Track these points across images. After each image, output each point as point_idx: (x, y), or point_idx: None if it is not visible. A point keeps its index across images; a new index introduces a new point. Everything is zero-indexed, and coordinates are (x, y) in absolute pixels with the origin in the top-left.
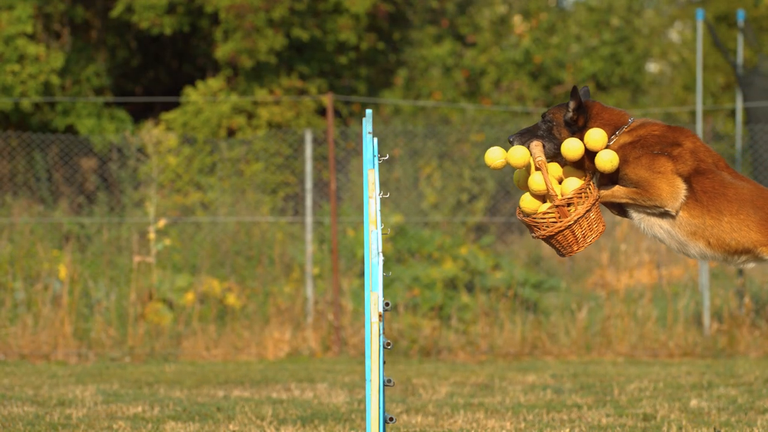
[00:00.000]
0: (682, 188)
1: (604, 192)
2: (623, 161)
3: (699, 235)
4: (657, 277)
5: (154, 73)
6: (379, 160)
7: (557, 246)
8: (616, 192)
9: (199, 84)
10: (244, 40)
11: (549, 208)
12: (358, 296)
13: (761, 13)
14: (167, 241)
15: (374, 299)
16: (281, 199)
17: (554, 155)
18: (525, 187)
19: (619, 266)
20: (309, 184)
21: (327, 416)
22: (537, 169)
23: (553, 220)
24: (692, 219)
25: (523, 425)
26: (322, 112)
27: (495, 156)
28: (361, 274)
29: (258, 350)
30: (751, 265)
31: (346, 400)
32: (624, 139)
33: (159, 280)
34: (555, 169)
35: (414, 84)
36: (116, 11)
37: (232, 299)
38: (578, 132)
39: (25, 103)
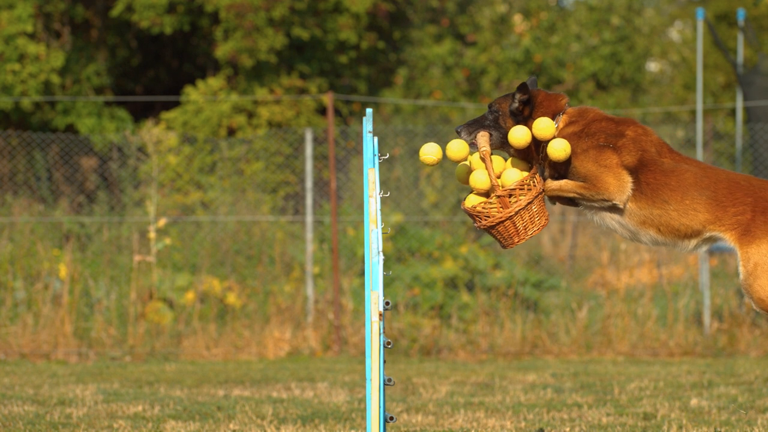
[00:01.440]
0: (628, 181)
1: (551, 186)
2: (571, 153)
3: (649, 223)
4: (657, 276)
5: (155, 72)
6: (380, 159)
7: (498, 237)
8: (564, 186)
9: (200, 83)
10: (244, 39)
11: (491, 198)
12: (359, 295)
13: (761, 12)
14: (167, 241)
15: (374, 298)
16: (281, 199)
17: (501, 144)
18: (466, 182)
19: (620, 265)
20: (309, 183)
21: (327, 415)
22: (482, 159)
23: (495, 210)
24: (640, 210)
25: (523, 424)
26: (322, 111)
27: (428, 152)
28: (362, 273)
29: (258, 349)
30: (703, 249)
31: (346, 400)
32: (570, 129)
33: (159, 279)
34: (498, 163)
35: (414, 83)
36: (116, 10)
37: (232, 298)
38: (523, 121)
39: (26, 103)
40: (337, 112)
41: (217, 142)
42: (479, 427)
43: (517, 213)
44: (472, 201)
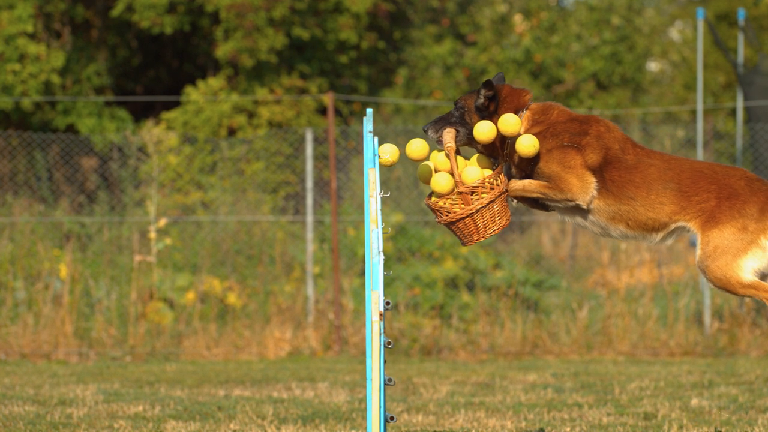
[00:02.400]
0: (592, 182)
1: (514, 186)
2: (534, 157)
3: (617, 219)
4: (658, 276)
5: (155, 72)
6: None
7: (458, 234)
8: (528, 186)
9: (200, 83)
10: (244, 39)
11: (453, 194)
12: (359, 295)
13: (761, 12)
14: (168, 241)
15: (375, 298)
16: (282, 199)
17: (468, 141)
18: (428, 182)
19: (620, 265)
20: (310, 183)
21: (328, 415)
22: (446, 155)
23: (457, 207)
24: (608, 207)
25: (524, 424)
26: (322, 111)
27: (384, 152)
28: (362, 273)
29: (259, 349)
30: (669, 242)
31: (346, 399)
32: (534, 129)
33: (160, 279)
34: (460, 162)
35: (415, 83)
36: (117, 10)
37: (232, 298)
38: (489, 117)
39: (26, 103)
40: (338, 112)
41: (217, 142)
42: (480, 427)
43: (478, 211)
44: (434, 199)
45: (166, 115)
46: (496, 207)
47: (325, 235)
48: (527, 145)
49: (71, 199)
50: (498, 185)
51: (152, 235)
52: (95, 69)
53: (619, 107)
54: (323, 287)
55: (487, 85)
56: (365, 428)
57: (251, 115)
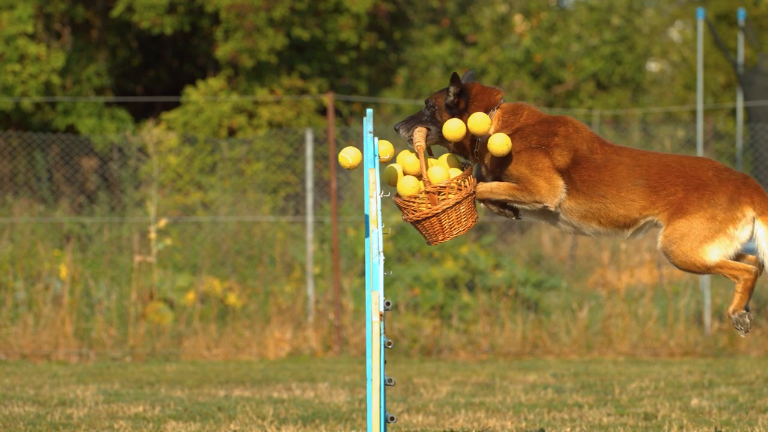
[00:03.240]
0: (560, 185)
1: (482, 188)
2: (503, 158)
3: (589, 217)
4: (658, 276)
5: (155, 72)
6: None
7: (423, 232)
8: (495, 189)
9: (200, 83)
10: (244, 39)
11: (420, 193)
12: (359, 295)
13: (761, 12)
14: (168, 241)
15: (375, 298)
16: (282, 199)
17: (440, 139)
18: (394, 185)
19: (620, 265)
20: (310, 184)
21: (328, 416)
22: (416, 154)
23: (423, 206)
24: (579, 206)
25: (524, 424)
26: (322, 111)
27: (345, 155)
28: (362, 274)
29: (259, 350)
30: (640, 236)
31: (347, 400)
32: (504, 130)
33: (160, 279)
34: (430, 163)
35: (415, 83)
36: (117, 11)
37: (232, 299)
38: (459, 114)
39: (26, 103)
40: (338, 113)
41: (217, 142)
42: (480, 427)
43: (444, 211)
44: (407, 190)
45: (167, 116)
46: (462, 208)
47: (325, 235)
48: (499, 143)
49: (71, 200)
50: (466, 186)
51: (152, 235)
52: (95, 69)
53: (619, 107)
54: (323, 287)
55: (454, 80)
56: (365, 428)
57: (251, 115)
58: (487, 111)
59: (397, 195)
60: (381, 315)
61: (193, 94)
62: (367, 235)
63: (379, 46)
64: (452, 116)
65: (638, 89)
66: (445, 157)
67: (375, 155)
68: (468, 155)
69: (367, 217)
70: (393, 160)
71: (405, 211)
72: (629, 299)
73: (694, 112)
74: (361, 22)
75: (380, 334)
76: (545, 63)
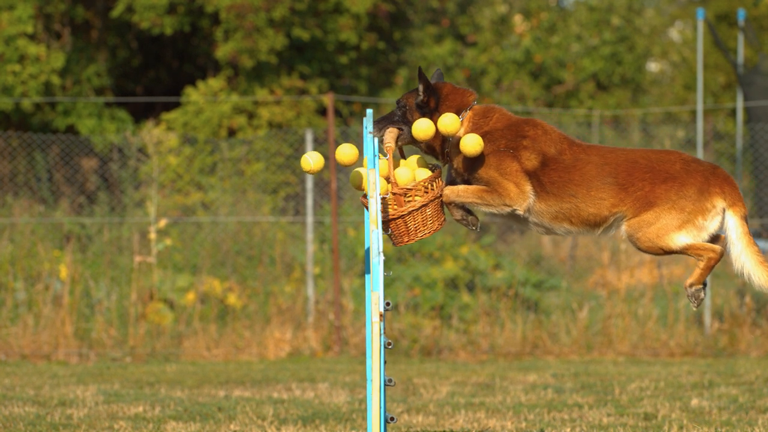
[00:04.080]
0: (528, 190)
1: (448, 191)
2: (472, 160)
3: (561, 218)
4: (658, 276)
5: (155, 73)
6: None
7: (389, 233)
8: (463, 192)
9: (200, 84)
10: (244, 39)
11: (386, 194)
12: (359, 296)
13: (761, 13)
14: (168, 241)
15: (375, 299)
16: (282, 199)
17: (411, 140)
18: (360, 188)
19: (620, 265)
20: (310, 184)
21: (328, 416)
22: (384, 154)
23: (389, 207)
24: (550, 207)
25: (524, 425)
26: (322, 111)
27: (309, 159)
28: (362, 274)
29: (259, 350)
30: (611, 233)
31: (347, 400)
32: (474, 132)
33: (160, 280)
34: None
35: (415, 83)
36: (117, 11)
37: (232, 299)
38: (429, 114)
39: (26, 104)
40: (338, 113)
41: (217, 142)
42: (480, 428)
43: (409, 213)
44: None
45: (166, 116)
46: (428, 211)
47: (325, 235)
48: (471, 144)
49: (71, 200)
50: (433, 189)
51: (152, 235)
52: (95, 70)
53: (619, 108)
54: (323, 288)
55: (421, 77)
56: (365, 429)
57: (251, 115)
58: (458, 112)
59: (365, 195)
60: (381, 315)
61: (193, 95)
62: (367, 235)
63: (379, 46)
64: (423, 116)
65: (638, 89)
66: (414, 158)
67: (375, 155)
68: (438, 156)
69: (366, 218)
70: (361, 163)
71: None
72: (629, 299)
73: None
74: (361, 23)
75: (380, 335)
76: (545, 63)
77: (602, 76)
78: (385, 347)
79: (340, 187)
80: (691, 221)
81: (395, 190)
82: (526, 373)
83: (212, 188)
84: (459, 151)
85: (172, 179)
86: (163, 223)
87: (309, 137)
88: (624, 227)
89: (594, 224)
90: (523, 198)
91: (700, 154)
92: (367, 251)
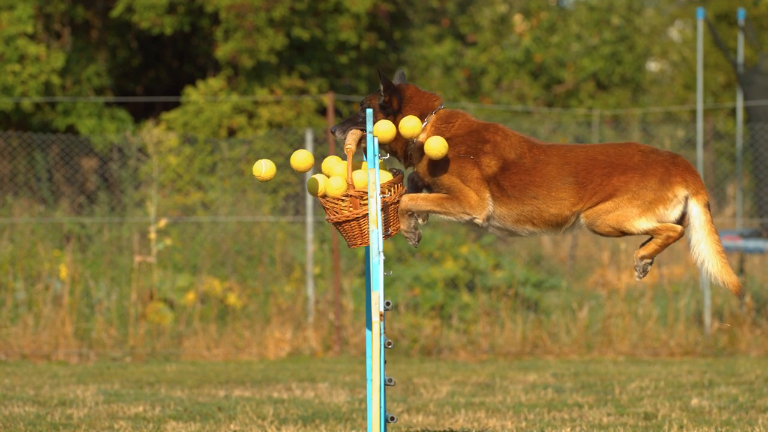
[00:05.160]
0: (487, 197)
1: (407, 199)
2: (434, 165)
3: (523, 220)
4: (658, 276)
5: (155, 72)
6: (380, 159)
7: (344, 234)
8: (421, 201)
9: (200, 84)
10: (244, 39)
11: (344, 195)
12: (359, 296)
13: (761, 12)
14: (168, 241)
15: (375, 298)
16: (282, 199)
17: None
18: (316, 194)
19: (620, 265)
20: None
21: (328, 416)
22: (346, 155)
23: (345, 209)
24: (511, 211)
25: (524, 424)
26: (322, 111)
27: (261, 166)
28: (362, 274)
29: (259, 350)
30: (575, 231)
31: (347, 400)
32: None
33: (160, 279)
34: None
35: (414, 83)
36: (117, 11)
37: (233, 299)
38: (393, 115)
39: (26, 103)
40: (338, 113)
41: (217, 142)
42: (480, 427)
43: (364, 216)
44: (333, 191)
45: (166, 116)
46: (383, 216)
47: (325, 235)
48: (435, 147)
49: (71, 200)
50: (391, 194)
51: (152, 235)
52: (95, 70)
53: (619, 107)
54: (323, 288)
55: (381, 77)
56: (365, 428)
57: (251, 115)
58: (422, 115)
59: (324, 195)
60: (381, 315)
61: (193, 95)
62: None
63: (379, 46)
64: (386, 117)
65: (638, 89)
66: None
67: (375, 155)
68: (400, 159)
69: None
70: (318, 169)
71: (328, 211)
72: (629, 299)
73: (693, 112)
74: (360, 22)
75: (380, 334)
76: (545, 63)
77: (602, 76)
78: (385, 347)
79: None
80: (651, 210)
81: (352, 192)
82: (526, 373)
83: (212, 188)
84: (421, 156)
85: (172, 179)
86: (163, 222)
87: (309, 137)
88: (583, 218)
89: (556, 224)
90: (482, 206)
91: (700, 153)
92: (367, 251)
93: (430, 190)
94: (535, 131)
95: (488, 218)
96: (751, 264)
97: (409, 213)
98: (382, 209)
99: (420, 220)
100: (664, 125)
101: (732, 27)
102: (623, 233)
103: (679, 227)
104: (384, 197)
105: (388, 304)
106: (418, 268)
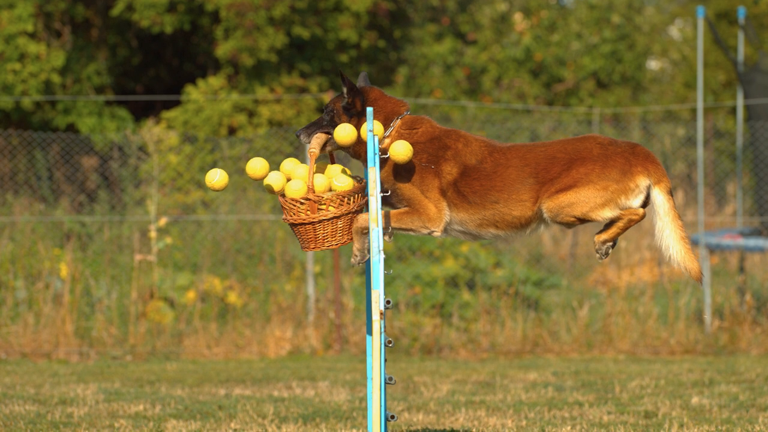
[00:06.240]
0: (444, 209)
1: (364, 219)
2: (395, 172)
3: (486, 224)
4: (658, 274)
5: (155, 71)
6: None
7: (298, 236)
8: (381, 219)
9: (200, 82)
10: (244, 38)
11: (302, 197)
12: (360, 294)
13: (762, 11)
14: (168, 240)
15: (375, 297)
16: None
17: (339, 146)
18: (270, 189)
19: (621, 264)
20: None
21: (328, 414)
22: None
23: (302, 212)
24: (473, 216)
25: (524, 423)
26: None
27: (213, 176)
28: (363, 272)
29: (259, 348)
30: (541, 230)
31: (347, 398)
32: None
33: (160, 278)
34: (334, 170)
35: (415, 82)
36: (117, 10)
37: (233, 297)
38: (357, 117)
39: (26, 102)
40: None
41: (217, 141)
42: (480, 426)
43: (320, 222)
44: (292, 193)
45: (167, 114)
46: (340, 224)
47: None
48: (400, 151)
49: (72, 199)
50: (349, 204)
51: (153, 234)
52: (95, 68)
53: (619, 106)
54: (324, 286)
55: (344, 80)
56: (366, 427)
57: (251, 114)
58: (387, 120)
59: (283, 194)
60: (381, 313)
61: (194, 93)
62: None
63: (379, 44)
64: (350, 119)
65: (638, 87)
66: (338, 168)
67: (375, 153)
68: (365, 163)
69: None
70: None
71: (285, 211)
72: (630, 297)
73: (694, 111)
74: (361, 21)
75: (381, 333)
76: (545, 61)
77: (602, 74)
78: (385, 345)
79: None
80: (615, 201)
81: (311, 196)
82: (526, 372)
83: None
84: (385, 161)
85: (172, 177)
86: (163, 221)
87: None
88: (546, 212)
89: (521, 225)
90: (440, 219)
91: (700, 151)
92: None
93: (389, 201)
94: (535, 130)
95: (446, 228)
96: (752, 262)
97: (364, 231)
98: (337, 217)
99: (386, 237)
100: (664, 124)
101: (732, 25)
102: (584, 222)
103: (641, 210)
104: (341, 206)
105: (388, 302)
106: (419, 267)
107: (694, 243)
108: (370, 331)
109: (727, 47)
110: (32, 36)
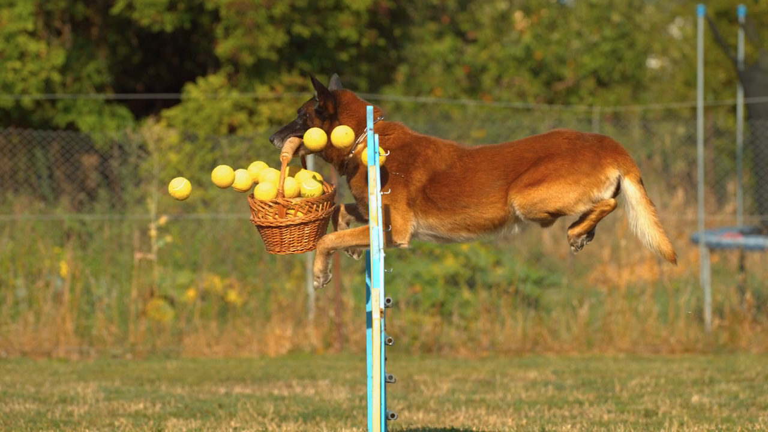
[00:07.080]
0: (411, 220)
1: (333, 237)
2: (366, 181)
3: (457, 228)
4: (658, 273)
5: (155, 69)
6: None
7: (264, 238)
8: (348, 237)
9: (200, 81)
10: (244, 36)
11: (272, 201)
12: (360, 293)
13: (762, 9)
14: (168, 238)
15: (376, 295)
16: None
17: (311, 150)
18: (224, 186)
19: (621, 262)
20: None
21: (328, 413)
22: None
23: (270, 214)
24: (443, 221)
25: (524, 421)
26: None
27: (177, 185)
28: (363, 271)
29: (259, 347)
30: (516, 230)
31: (347, 397)
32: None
33: (160, 277)
34: (305, 175)
35: (415, 80)
36: (117, 8)
37: (233, 296)
38: (329, 120)
39: (26, 101)
40: None
41: (217, 139)
42: (480, 424)
43: (287, 227)
44: (261, 195)
45: (167, 113)
46: (306, 230)
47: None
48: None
49: (72, 197)
50: (318, 210)
51: (153, 232)
52: (95, 67)
53: (619, 104)
54: None
55: (315, 83)
56: (366, 426)
57: (252, 112)
58: (360, 125)
59: (252, 195)
60: (381, 312)
61: (194, 92)
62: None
63: (379, 43)
64: (323, 122)
65: (638, 86)
66: (309, 173)
67: (375, 152)
68: (336, 168)
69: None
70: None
71: (254, 213)
72: (630, 296)
73: (694, 109)
74: (361, 19)
75: (381, 331)
76: (545, 60)
77: (602, 73)
78: (385, 344)
79: (341, 185)
80: (587, 194)
81: (280, 200)
82: (526, 370)
83: (213, 185)
84: (357, 167)
85: (172, 176)
86: (163, 220)
87: None
88: (518, 209)
89: (494, 227)
90: (406, 230)
91: (700, 150)
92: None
93: (355, 212)
94: (535, 128)
95: (414, 233)
96: (752, 261)
97: (330, 252)
98: (304, 223)
99: (355, 256)
100: (664, 122)
101: (732, 24)
102: (558, 216)
103: (612, 201)
104: (309, 212)
105: (388, 301)
106: (419, 265)
107: (694, 242)
108: (370, 330)
109: (728, 46)
110: (32, 34)
